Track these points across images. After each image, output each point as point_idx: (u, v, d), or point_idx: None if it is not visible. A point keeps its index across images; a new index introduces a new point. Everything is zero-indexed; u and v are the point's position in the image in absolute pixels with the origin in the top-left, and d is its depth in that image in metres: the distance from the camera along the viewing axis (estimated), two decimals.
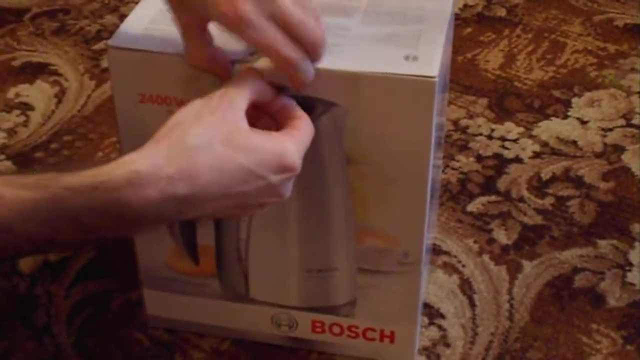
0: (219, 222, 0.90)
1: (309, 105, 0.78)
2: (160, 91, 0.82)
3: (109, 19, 1.60)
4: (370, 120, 0.80)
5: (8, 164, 1.25)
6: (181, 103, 0.76)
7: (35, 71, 1.47)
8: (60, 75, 1.45)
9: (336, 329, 0.95)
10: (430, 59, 0.79)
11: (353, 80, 0.78)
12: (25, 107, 1.37)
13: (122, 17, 1.59)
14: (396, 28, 0.84)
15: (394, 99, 0.78)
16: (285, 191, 0.73)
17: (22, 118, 1.35)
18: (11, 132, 1.32)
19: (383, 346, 0.96)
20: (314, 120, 0.76)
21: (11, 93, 1.41)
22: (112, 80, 0.83)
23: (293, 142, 0.72)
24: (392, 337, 0.95)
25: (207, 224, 0.89)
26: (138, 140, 0.70)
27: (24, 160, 1.26)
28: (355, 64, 0.78)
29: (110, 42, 0.81)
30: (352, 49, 0.81)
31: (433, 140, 0.80)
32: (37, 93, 1.41)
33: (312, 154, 0.75)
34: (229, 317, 0.97)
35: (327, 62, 0.77)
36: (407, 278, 0.90)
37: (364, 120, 0.80)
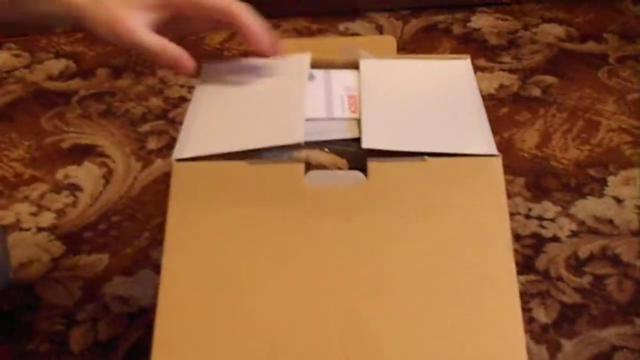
0: None
1: None
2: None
3: (154, 101, 1.65)
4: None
5: (58, 244, 1.29)
6: None
7: (83, 153, 1.51)
8: (107, 156, 1.50)
9: None
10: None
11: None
12: (74, 188, 1.41)
13: (167, 99, 1.63)
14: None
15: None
16: None
17: (71, 199, 1.39)
18: (60, 212, 1.36)
19: None
20: None
21: (60, 174, 1.45)
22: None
23: None
24: None
25: None
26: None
27: (74, 241, 1.29)
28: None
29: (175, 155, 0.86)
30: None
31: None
32: (86, 174, 1.45)
33: None
34: None
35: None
36: None
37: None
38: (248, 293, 0.80)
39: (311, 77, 0.97)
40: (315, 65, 1.00)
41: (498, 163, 0.85)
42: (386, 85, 0.97)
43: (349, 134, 0.89)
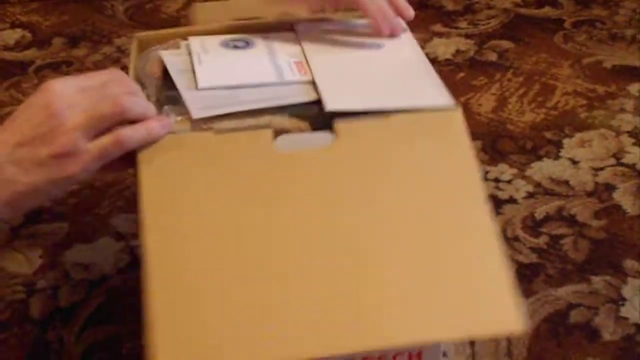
0: None
1: None
2: None
3: None
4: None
5: None
6: None
7: None
8: None
9: None
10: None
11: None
12: None
13: (124, 68, 1.62)
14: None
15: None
16: (54, 109, 0.78)
17: None
18: None
19: None
20: None
21: None
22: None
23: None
24: (419, 355, 0.97)
25: None
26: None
27: (33, 210, 1.29)
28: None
29: None
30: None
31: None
32: None
33: None
34: None
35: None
36: None
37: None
38: (233, 258, 0.80)
39: (250, 44, 0.98)
40: (248, 29, 1.01)
41: (459, 114, 0.86)
42: (329, 48, 0.98)
43: (306, 97, 0.90)
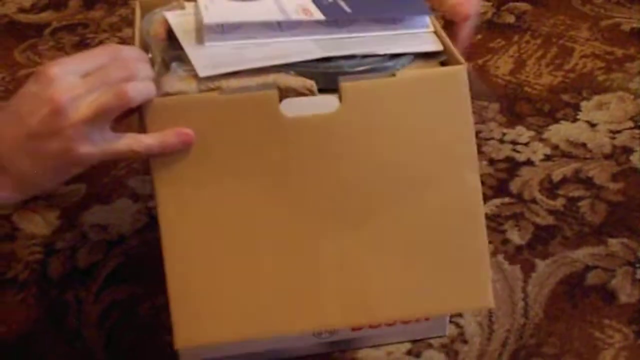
0: None
1: None
2: None
3: (127, 32, 1.64)
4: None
5: None
6: None
7: None
8: None
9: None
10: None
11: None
12: None
13: None
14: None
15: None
16: (58, 103, 0.77)
17: None
18: None
19: (418, 325, 0.98)
20: None
21: None
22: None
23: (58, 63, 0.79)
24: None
25: None
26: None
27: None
28: None
29: None
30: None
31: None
32: None
33: None
34: (269, 340, 0.97)
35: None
36: None
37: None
38: (241, 228, 0.82)
39: None
40: None
41: (463, 72, 0.86)
42: None
43: (311, 54, 0.90)
